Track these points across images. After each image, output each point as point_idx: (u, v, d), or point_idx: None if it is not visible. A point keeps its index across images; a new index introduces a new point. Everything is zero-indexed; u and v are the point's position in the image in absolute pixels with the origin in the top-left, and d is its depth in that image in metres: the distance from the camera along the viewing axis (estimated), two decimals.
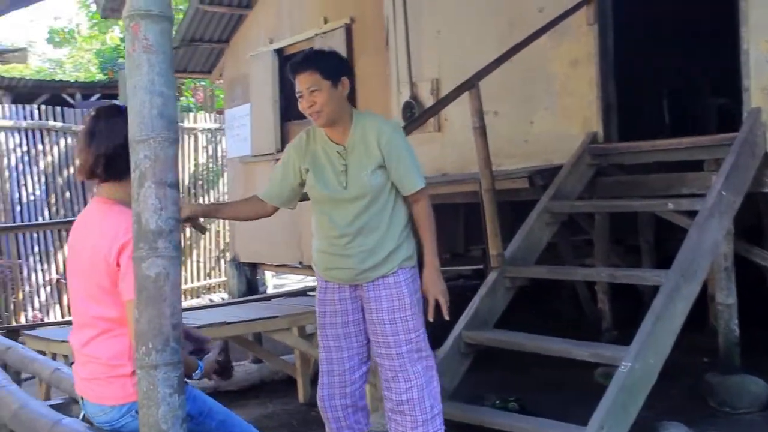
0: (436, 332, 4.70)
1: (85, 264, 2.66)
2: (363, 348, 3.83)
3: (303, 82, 3.54)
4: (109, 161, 2.68)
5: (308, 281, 11.70)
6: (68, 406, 3.19)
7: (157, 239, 2.29)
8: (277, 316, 5.55)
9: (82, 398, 2.76)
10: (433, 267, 3.69)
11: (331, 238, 3.68)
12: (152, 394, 2.27)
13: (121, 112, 2.63)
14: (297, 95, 3.60)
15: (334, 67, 3.61)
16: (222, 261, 12.99)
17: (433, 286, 3.67)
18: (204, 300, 12.19)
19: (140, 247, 2.29)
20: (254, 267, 10.60)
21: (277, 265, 9.87)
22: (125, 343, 2.62)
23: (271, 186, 3.77)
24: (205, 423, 2.77)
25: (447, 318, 3.72)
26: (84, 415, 2.78)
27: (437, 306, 3.68)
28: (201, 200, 13.09)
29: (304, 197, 3.85)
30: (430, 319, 3.73)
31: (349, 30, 8.32)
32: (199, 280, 12.94)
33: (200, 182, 13.28)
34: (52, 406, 3.08)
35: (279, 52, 9.47)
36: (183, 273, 12.48)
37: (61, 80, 15.44)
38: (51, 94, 12.93)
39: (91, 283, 2.64)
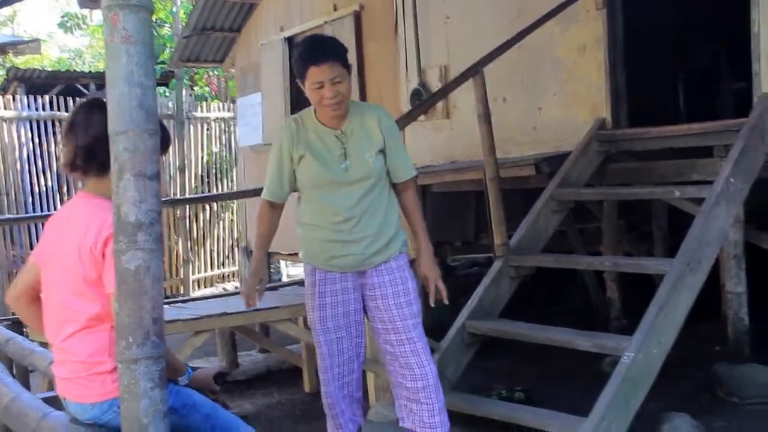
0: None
1: (70, 258, 2.65)
2: (361, 338, 3.82)
3: (326, 73, 3.51)
4: (88, 153, 2.69)
5: None
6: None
7: (136, 232, 2.26)
8: (278, 307, 5.53)
9: (63, 398, 2.76)
10: (429, 252, 3.76)
11: (335, 224, 3.65)
12: (133, 388, 2.25)
13: (101, 105, 2.64)
14: (314, 85, 3.54)
15: (347, 56, 3.63)
16: (236, 250, 13.01)
17: (431, 271, 3.73)
18: (217, 289, 12.23)
19: (120, 240, 2.27)
20: (267, 256, 10.59)
21: (289, 254, 9.87)
22: (104, 340, 2.62)
23: (275, 184, 3.74)
24: (189, 416, 2.76)
25: (446, 302, 3.76)
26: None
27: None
28: (214, 189, 13.12)
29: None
30: (432, 304, 3.76)
31: (358, 17, 8.28)
32: (212, 269, 12.97)
33: (213, 171, 13.32)
34: (45, 399, 3.08)
35: (289, 40, 9.43)
36: (196, 262, 12.55)
37: (75, 71, 15.48)
38: (66, 84, 12.95)
39: (76, 277, 2.63)
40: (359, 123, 3.67)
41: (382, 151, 3.67)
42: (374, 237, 3.65)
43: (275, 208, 3.80)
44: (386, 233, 3.68)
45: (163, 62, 13.96)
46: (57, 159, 11.37)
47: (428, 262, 3.74)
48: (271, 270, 11.21)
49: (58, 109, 11.43)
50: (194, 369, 2.95)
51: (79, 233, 2.65)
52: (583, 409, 3.91)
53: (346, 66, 3.58)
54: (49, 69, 16.38)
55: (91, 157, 2.69)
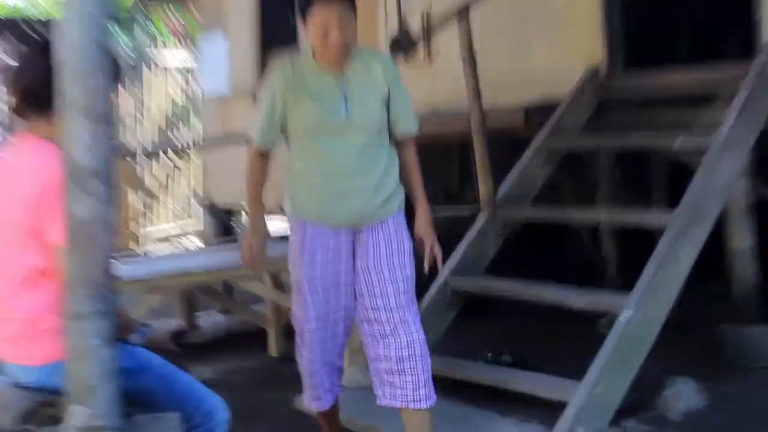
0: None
1: (12, 208, 2.59)
2: (350, 301, 3.71)
3: (333, 13, 3.41)
4: (28, 95, 2.68)
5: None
6: None
7: (88, 178, 2.21)
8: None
9: (2, 360, 2.71)
10: (427, 214, 3.72)
11: (332, 175, 3.57)
12: (80, 347, 2.21)
13: (42, 45, 2.63)
14: (318, 27, 3.44)
15: None
16: (195, 205, 12.90)
17: (428, 235, 3.70)
18: (175, 247, 12.13)
19: (70, 186, 2.22)
20: (230, 211, 10.55)
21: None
22: (47, 297, 2.56)
23: (266, 131, 3.64)
24: (143, 378, 2.71)
25: (441, 267, 3.80)
26: None
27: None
28: (174, 140, 13.01)
29: None
30: (425, 269, 3.72)
31: None
32: (170, 224, 12.86)
33: (175, 120, 13.21)
34: None
35: None
36: (153, 217, 12.46)
37: (29, 18, 15.32)
38: (19, 32, 12.79)
39: (17, 228, 2.57)
40: (362, 67, 3.59)
41: (386, 102, 3.61)
42: (374, 191, 3.58)
43: (265, 157, 3.71)
44: (387, 188, 3.61)
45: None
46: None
47: (425, 224, 3.70)
48: (233, 224, 11.11)
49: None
50: (147, 327, 2.92)
51: (21, 180, 2.59)
52: (573, 372, 3.92)
53: (354, 9, 3.48)
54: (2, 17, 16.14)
55: (33, 99, 2.67)
